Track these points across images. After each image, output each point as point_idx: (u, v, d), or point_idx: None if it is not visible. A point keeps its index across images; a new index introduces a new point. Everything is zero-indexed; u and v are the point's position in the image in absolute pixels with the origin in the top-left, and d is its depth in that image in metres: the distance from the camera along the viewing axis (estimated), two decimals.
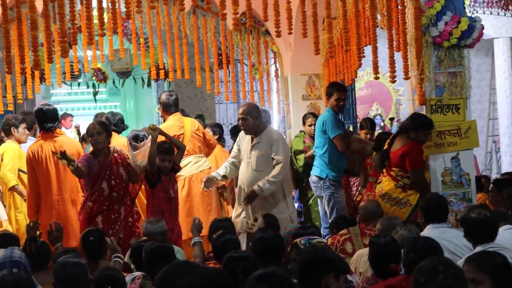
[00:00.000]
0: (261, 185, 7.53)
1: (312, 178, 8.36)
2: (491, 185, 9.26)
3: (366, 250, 5.74)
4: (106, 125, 7.61)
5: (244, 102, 13.30)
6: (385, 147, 7.44)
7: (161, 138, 7.73)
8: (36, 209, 7.70)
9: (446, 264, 3.55)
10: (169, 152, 7.56)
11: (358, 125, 10.47)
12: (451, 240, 5.80)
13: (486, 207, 6.92)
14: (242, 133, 7.91)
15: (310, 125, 8.96)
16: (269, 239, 5.10)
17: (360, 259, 5.72)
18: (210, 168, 8.73)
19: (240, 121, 7.78)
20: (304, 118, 9.23)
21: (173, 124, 8.35)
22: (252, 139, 7.76)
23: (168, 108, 8.37)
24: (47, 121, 7.76)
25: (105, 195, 7.37)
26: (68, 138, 7.95)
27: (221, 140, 10.15)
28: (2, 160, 8.46)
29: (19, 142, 8.56)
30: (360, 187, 8.58)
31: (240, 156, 7.91)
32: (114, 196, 7.40)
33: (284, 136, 11.96)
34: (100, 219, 7.32)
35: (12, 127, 8.48)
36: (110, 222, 7.34)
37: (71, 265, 4.68)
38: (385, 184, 7.31)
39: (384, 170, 7.41)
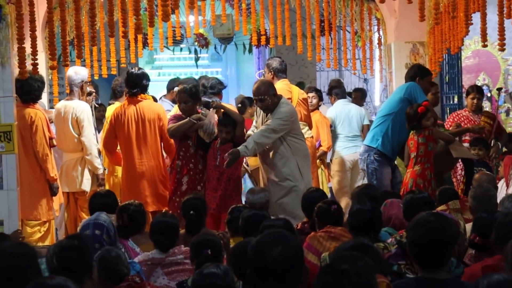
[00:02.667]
0: (246, 144, 7.12)
1: (361, 149, 8.09)
2: None
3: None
4: (193, 94, 7.52)
5: (346, 70, 13.13)
6: None
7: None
8: (113, 153, 7.92)
9: None
10: (224, 124, 7.38)
11: (464, 94, 10.17)
12: None
13: None
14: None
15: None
16: (366, 211, 4.99)
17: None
18: (312, 137, 8.65)
19: (257, 102, 7.41)
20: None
21: (282, 88, 8.33)
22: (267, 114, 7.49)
23: (279, 73, 8.39)
24: (128, 85, 7.82)
25: (191, 152, 7.44)
26: (151, 103, 7.89)
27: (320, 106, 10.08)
28: (107, 123, 8.34)
29: None
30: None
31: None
32: (199, 154, 7.45)
33: None
34: (186, 180, 7.40)
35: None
36: (195, 183, 7.40)
37: (169, 217, 5.00)
38: None
39: None
